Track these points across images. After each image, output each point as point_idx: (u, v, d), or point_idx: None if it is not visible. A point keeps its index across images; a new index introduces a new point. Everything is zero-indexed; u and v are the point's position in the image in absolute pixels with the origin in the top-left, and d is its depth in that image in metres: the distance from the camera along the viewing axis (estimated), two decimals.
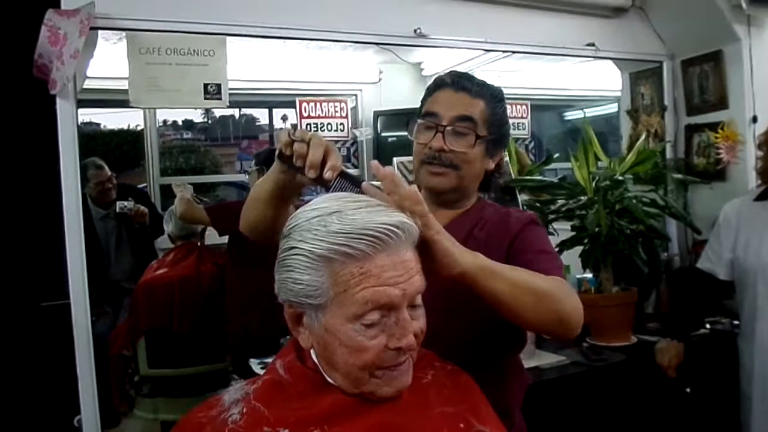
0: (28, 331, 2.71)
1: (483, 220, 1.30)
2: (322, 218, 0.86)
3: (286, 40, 2.06)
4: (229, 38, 1.93)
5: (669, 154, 2.59)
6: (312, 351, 0.94)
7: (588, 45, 2.43)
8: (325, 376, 0.92)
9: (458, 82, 1.27)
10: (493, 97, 1.29)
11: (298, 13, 2.00)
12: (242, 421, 0.88)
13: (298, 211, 0.93)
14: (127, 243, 3.21)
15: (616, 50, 2.52)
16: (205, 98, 1.89)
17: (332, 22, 2.06)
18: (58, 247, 1.85)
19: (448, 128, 1.24)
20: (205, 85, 1.89)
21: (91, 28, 1.74)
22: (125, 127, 4.94)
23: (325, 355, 0.90)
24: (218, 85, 1.90)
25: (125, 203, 3.09)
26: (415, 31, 2.14)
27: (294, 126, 1.09)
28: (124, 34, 1.85)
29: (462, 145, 1.25)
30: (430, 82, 3.81)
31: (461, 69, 3.56)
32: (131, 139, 4.53)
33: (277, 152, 1.06)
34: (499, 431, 1.03)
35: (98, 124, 5.23)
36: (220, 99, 1.91)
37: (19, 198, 2.68)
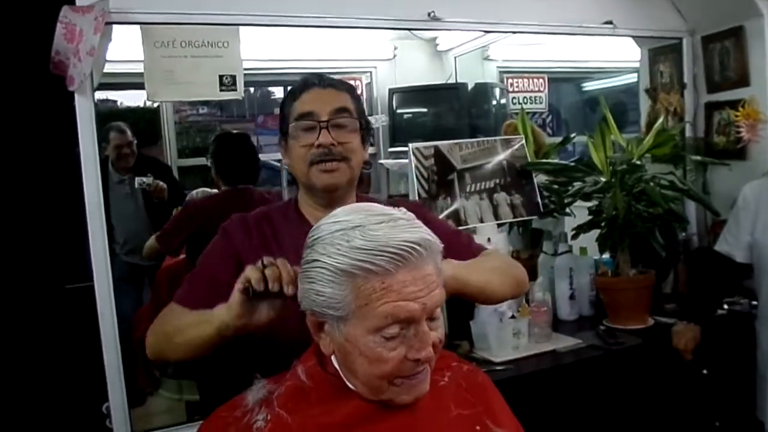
0: (53, 314, 2.78)
1: None
2: (345, 232, 0.88)
3: (300, 28, 2.04)
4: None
5: (688, 133, 2.54)
6: (333, 357, 0.96)
7: (606, 23, 2.38)
8: (346, 381, 0.95)
9: (323, 79, 1.31)
10: (353, 90, 1.35)
11: (307, 0, 1.99)
12: (266, 429, 0.92)
13: (321, 222, 0.94)
14: (144, 218, 3.22)
15: (634, 27, 2.47)
16: (220, 89, 1.89)
17: (345, 8, 2.03)
18: (81, 231, 1.89)
19: (331, 122, 1.26)
20: (221, 77, 1.89)
21: (106, 23, 1.75)
22: (141, 105, 4.96)
23: (346, 363, 0.93)
24: (233, 76, 1.90)
25: (144, 179, 3.05)
26: (429, 14, 2.11)
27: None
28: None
29: (347, 136, 1.28)
30: (445, 57, 3.79)
31: (477, 44, 3.61)
32: (148, 117, 4.56)
33: (247, 290, 1.00)
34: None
35: (115, 101, 5.26)
36: (236, 90, 1.91)
37: (43, 183, 2.73)
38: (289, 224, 1.32)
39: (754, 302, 2.09)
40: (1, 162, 2.68)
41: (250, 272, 1.00)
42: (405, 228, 0.88)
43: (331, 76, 1.36)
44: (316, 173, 1.26)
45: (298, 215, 1.34)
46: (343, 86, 1.33)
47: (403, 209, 0.93)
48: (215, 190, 2.96)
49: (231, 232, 1.31)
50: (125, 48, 2.01)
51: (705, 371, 2.04)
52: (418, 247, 0.86)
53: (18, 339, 2.63)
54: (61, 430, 2.60)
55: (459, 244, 1.34)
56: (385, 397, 0.91)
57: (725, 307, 2.23)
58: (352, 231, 0.87)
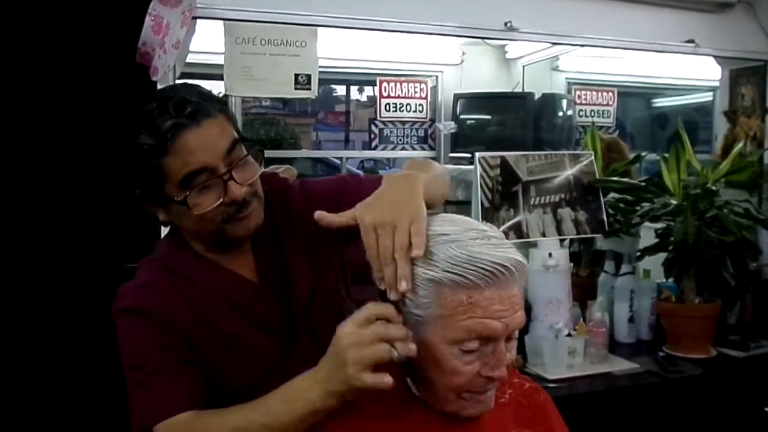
0: (112, 293, 2.86)
1: (272, 221, 1.17)
2: (441, 243, 0.88)
3: (378, 31, 2.06)
4: None
5: (767, 159, 2.45)
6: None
7: (687, 41, 2.31)
8: (411, 387, 0.96)
9: (195, 113, 1.00)
10: (221, 102, 1.09)
11: (387, 4, 2.01)
12: (330, 427, 0.93)
13: None
14: None
15: (717, 47, 2.39)
16: (295, 88, 1.95)
17: (422, 13, 2.05)
18: (142, 210, 1.96)
19: (233, 169, 1.03)
20: (296, 75, 1.94)
21: (192, 18, 1.81)
22: None
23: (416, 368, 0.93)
24: (308, 76, 1.95)
25: None
26: (505, 24, 2.10)
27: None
28: None
29: (250, 171, 1.06)
30: (513, 66, 3.73)
31: (547, 54, 3.56)
32: None
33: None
34: None
35: None
36: (310, 89, 1.96)
37: (111, 164, 2.83)
38: (198, 273, 1.10)
39: None
40: (69, 144, 2.80)
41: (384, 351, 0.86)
42: (498, 246, 0.88)
43: (191, 89, 1.05)
44: (234, 226, 1.06)
45: (197, 259, 1.11)
46: (214, 105, 1.04)
47: (493, 227, 0.93)
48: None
49: (150, 311, 1.04)
50: (199, 39, 2.09)
51: (767, 409, 1.96)
52: (511, 267, 0.86)
53: (77, 316, 2.73)
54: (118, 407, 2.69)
55: (348, 192, 1.15)
56: (450, 408, 0.92)
57: None
58: (449, 243, 0.87)
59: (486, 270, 0.84)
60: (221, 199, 1.02)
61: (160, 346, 1.03)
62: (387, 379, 0.86)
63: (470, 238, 0.87)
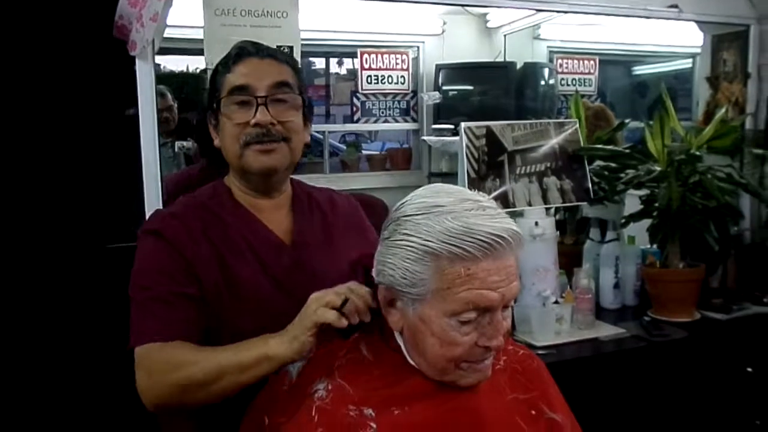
0: (93, 274, 2.83)
1: (320, 203, 1.30)
2: (437, 214, 0.88)
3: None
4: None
5: (748, 125, 2.47)
6: (397, 333, 0.98)
7: (670, 6, 2.30)
8: (408, 358, 0.96)
9: (261, 49, 1.18)
10: (295, 62, 1.23)
11: None
12: (328, 399, 0.94)
13: (408, 201, 0.94)
14: None
15: (700, 12, 2.38)
16: None
17: None
18: (125, 190, 1.92)
19: (270, 98, 1.14)
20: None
21: None
22: (185, 70, 4.97)
23: (414, 341, 0.94)
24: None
25: (184, 143, 3.06)
26: None
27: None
28: None
29: (288, 114, 1.16)
30: (494, 35, 3.72)
31: (529, 22, 3.54)
32: (192, 83, 4.57)
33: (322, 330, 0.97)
34: (569, 419, 1.06)
35: (158, 65, 5.29)
36: None
37: (88, 144, 2.78)
38: (233, 217, 1.19)
39: None
40: (47, 123, 2.73)
41: (327, 314, 0.96)
42: (494, 217, 0.88)
43: (273, 47, 1.23)
44: (252, 155, 1.15)
45: (236, 204, 1.21)
46: (284, 57, 1.21)
47: (486, 196, 0.92)
48: None
49: (172, 238, 1.12)
50: (177, 13, 2.03)
51: (749, 369, 2.01)
52: (507, 237, 0.86)
53: (58, 297, 2.70)
54: (99, 389, 2.67)
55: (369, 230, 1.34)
56: (448, 378, 0.93)
57: None
58: (445, 214, 0.87)
59: (483, 241, 0.85)
60: (250, 120, 1.13)
61: (168, 274, 1.09)
62: (343, 321, 0.95)
63: (465, 209, 0.87)
